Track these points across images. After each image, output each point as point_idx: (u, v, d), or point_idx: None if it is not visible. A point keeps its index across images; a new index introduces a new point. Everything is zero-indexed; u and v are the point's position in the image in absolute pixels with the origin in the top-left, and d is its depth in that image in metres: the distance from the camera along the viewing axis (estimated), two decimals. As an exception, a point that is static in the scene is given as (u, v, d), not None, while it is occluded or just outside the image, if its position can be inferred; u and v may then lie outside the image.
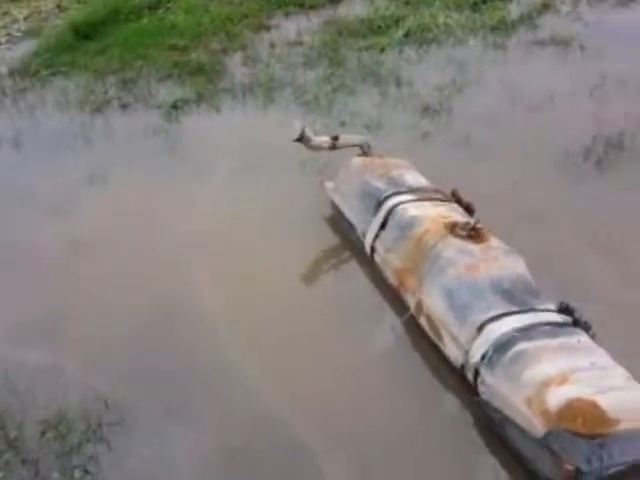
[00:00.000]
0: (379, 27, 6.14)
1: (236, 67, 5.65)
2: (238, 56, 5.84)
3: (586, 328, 2.54)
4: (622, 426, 2.14)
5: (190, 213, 3.84)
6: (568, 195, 3.74)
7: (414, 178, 3.39)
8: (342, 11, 6.77)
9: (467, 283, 2.69)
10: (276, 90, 5.11)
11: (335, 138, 3.51)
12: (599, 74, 5.01)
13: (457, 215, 3.08)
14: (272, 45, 5.99)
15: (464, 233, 2.88)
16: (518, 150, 4.16)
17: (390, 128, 4.48)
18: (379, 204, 3.22)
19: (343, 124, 4.57)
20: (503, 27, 6.04)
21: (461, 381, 2.64)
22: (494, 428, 2.44)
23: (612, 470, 2.12)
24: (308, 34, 6.20)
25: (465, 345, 2.57)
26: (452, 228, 2.92)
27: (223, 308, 3.20)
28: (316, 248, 3.57)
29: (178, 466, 2.50)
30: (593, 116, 4.37)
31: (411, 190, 3.26)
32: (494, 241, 2.89)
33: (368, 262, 3.31)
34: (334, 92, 5.01)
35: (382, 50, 5.70)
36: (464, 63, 5.35)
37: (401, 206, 3.14)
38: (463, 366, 2.60)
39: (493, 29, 6.05)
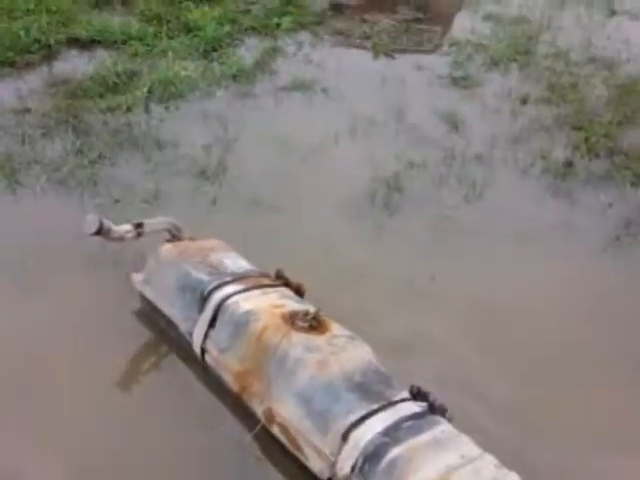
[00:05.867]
0: (115, 84, 5.64)
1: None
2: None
3: (442, 412, 2.50)
4: None
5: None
6: (373, 247, 3.82)
7: (234, 262, 3.11)
8: (60, 68, 6.11)
9: (321, 384, 2.51)
10: (21, 170, 4.37)
11: (139, 225, 3.06)
12: (351, 116, 5.26)
13: (291, 302, 2.89)
14: (-7, 114, 5.14)
15: (306, 324, 2.71)
16: (310, 204, 4.14)
17: (172, 198, 4.12)
18: (204, 299, 2.89)
19: (117, 201, 4.08)
20: (244, 75, 6.02)
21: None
22: None
23: None
24: (33, 98, 5.45)
25: (330, 457, 2.39)
26: (292, 320, 2.73)
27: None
28: (132, 350, 3.12)
29: None
30: (366, 160, 4.56)
31: (236, 278, 2.98)
32: (336, 327, 2.77)
33: (198, 362, 2.95)
34: (92, 165, 4.45)
35: (128, 110, 5.25)
36: (220, 117, 5.18)
37: (230, 300, 2.85)
38: (330, 479, 2.42)
39: (234, 77, 6.00)
